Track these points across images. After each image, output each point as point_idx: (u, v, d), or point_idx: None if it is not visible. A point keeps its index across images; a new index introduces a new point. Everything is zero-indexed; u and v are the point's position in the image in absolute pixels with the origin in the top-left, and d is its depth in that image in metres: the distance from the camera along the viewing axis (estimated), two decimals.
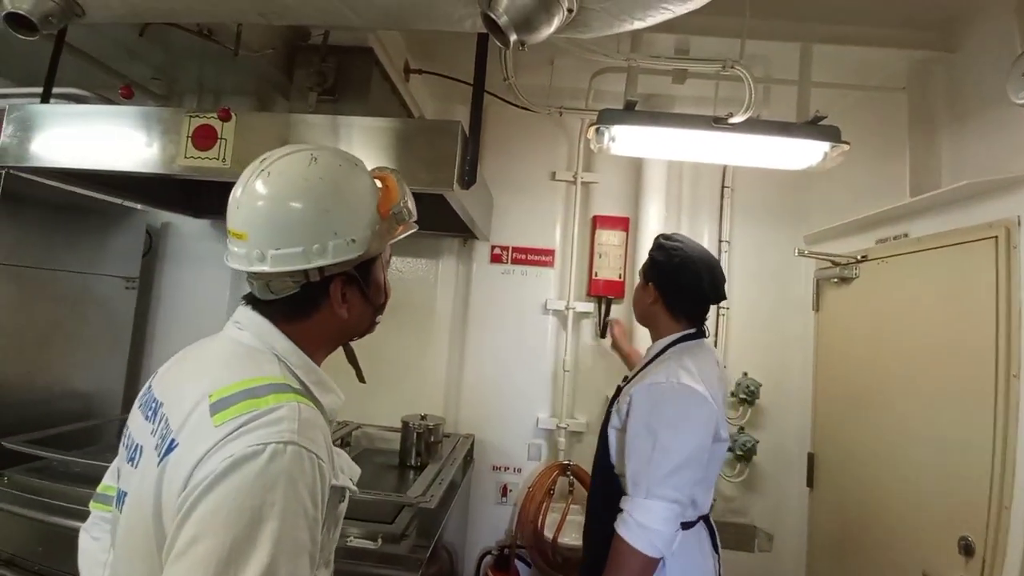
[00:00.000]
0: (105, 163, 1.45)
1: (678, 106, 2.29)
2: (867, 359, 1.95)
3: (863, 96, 1.95)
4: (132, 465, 0.72)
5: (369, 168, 0.84)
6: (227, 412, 0.62)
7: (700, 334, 1.35)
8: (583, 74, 2.13)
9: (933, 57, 1.65)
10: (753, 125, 1.47)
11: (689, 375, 1.19)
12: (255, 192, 0.73)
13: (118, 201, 2.21)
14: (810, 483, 2.22)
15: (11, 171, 1.66)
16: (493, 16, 1.01)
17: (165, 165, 1.45)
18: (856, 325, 2.02)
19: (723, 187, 2.41)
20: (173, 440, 0.64)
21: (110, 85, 2.03)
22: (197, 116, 1.42)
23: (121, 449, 0.80)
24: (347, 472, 0.80)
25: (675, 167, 2.36)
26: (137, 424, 0.76)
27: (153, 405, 0.74)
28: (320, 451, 0.65)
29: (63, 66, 1.66)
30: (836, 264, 2.03)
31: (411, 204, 0.84)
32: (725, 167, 2.40)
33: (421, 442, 2.02)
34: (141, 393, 0.81)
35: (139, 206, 2.34)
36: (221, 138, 1.41)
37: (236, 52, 1.38)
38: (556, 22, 1.06)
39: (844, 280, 2.05)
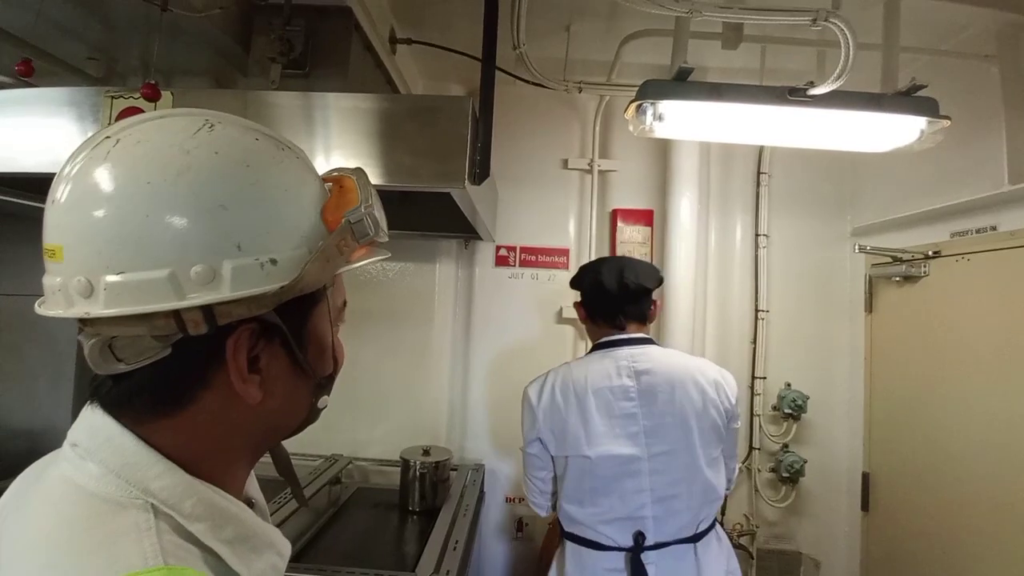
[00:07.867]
0: None
1: (711, 78, 1.98)
2: (932, 368, 1.70)
3: (930, 62, 1.66)
4: None
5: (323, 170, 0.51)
6: None
7: (624, 341, 1.29)
8: (602, 43, 1.80)
9: None
10: (837, 98, 1.17)
11: (541, 380, 1.32)
12: (86, 171, 0.40)
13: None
14: (865, 506, 1.97)
15: None
16: None
17: None
18: (920, 330, 1.76)
19: (759, 173, 2.11)
20: None
21: (44, 71, 1.67)
22: (120, 96, 1.07)
23: None
24: None
25: (704, 149, 2.05)
26: None
27: None
28: None
29: None
30: (900, 261, 1.76)
31: (379, 212, 0.50)
32: (761, 149, 2.10)
33: (425, 483, 1.71)
34: None
35: None
36: None
37: (164, 7, 1.02)
38: None
39: (908, 279, 1.78)
